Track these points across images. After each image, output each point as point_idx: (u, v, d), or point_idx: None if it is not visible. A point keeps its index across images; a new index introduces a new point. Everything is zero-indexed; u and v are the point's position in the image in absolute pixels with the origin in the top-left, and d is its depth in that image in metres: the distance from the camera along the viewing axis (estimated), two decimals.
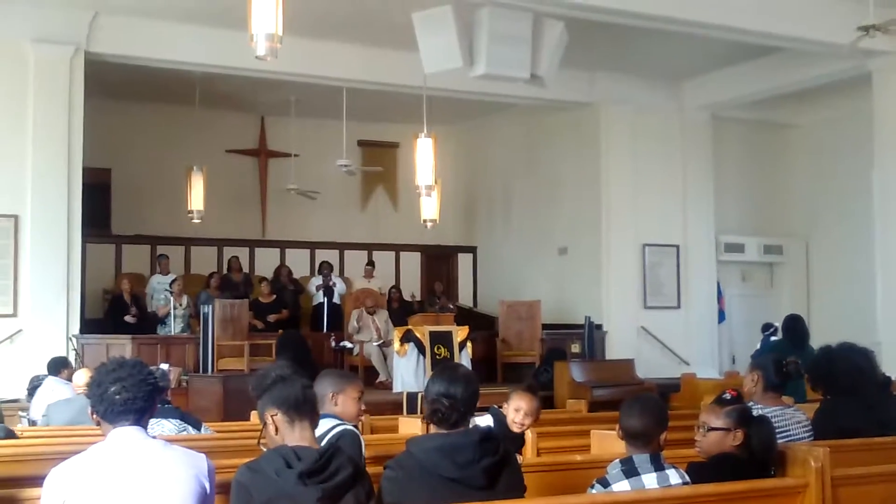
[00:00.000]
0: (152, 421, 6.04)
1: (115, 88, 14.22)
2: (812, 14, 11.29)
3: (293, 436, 3.41)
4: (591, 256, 14.96)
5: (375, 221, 17.90)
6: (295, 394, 3.45)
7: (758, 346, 11.97)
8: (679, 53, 13.38)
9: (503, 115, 16.66)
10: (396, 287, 15.87)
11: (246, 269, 15.70)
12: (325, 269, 15.38)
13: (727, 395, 4.32)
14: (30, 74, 11.61)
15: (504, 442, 3.83)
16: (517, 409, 5.15)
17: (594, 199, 14.91)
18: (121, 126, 15.40)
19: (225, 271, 15.42)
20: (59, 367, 8.80)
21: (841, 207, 15.46)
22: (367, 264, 16.10)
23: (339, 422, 4.32)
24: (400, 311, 14.46)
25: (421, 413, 4.39)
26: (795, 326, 9.85)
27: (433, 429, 3.77)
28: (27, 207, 11.51)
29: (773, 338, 11.36)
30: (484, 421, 5.15)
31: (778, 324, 11.02)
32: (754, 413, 4.45)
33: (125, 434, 3.24)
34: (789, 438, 4.94)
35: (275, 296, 14.39)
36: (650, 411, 4.01)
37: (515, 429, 5.14)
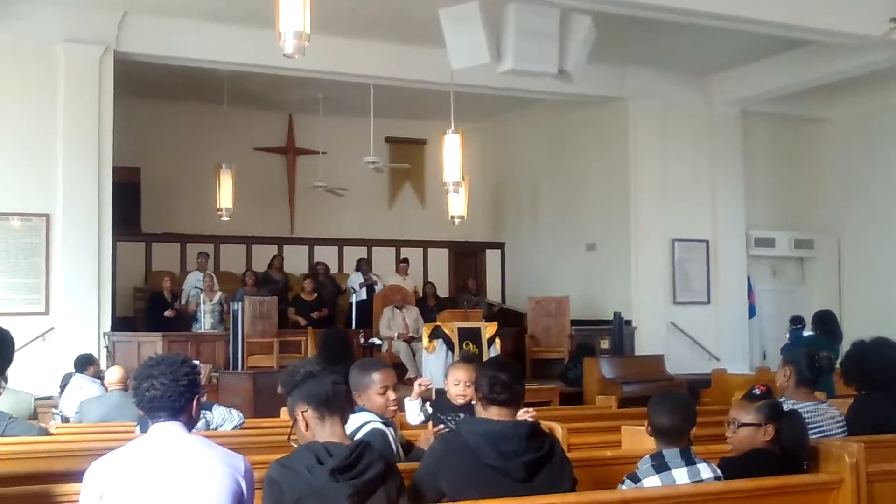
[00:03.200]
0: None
1: (144, 87, 14.32)
2: (842, 6, 11.16)
3: (324, 432, 3.42)
4: (619, 252, 14.90)
5: (403, 218, 17.92)
6: (325, 390, 3.46)
7: (787, 339, 11.87)
8: (708, 47, 13.29)
9: (531, 110, 16.61)
10: (431, 283, 15.88)
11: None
12: (365, 265, 15.39)
13: (756, 391, 4.30)
14: (60, 74, 11.71)
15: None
16: (456, 383, 5.27)
17: (623, 194, 14.85)
18: (150, 125, 15.52)
19: (255, 268, 15.45)
20: (85, 364, 8.88)
21: (873, 202, 15.30)
22: (402, 261, 16.04)
23: (368, 419, 4.29)
24: (437, 307, 14.46)
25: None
26: (826, 321, 9.77)
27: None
28: (58, 206, 11.61)
29: (805, 332, 11.27)
30: (412, 409, 5.43)
31: (807, 318, 10.95)
32: (786, 408, 4.42)
33: (165, 429, 3.26)
34: (823, 434, 4.90)
35: (316, 293, 14.43)
36: (679, 408, 4.01)
37: (460, 401, 5.25)
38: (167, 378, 3.29)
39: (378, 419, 4.33)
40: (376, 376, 4.43)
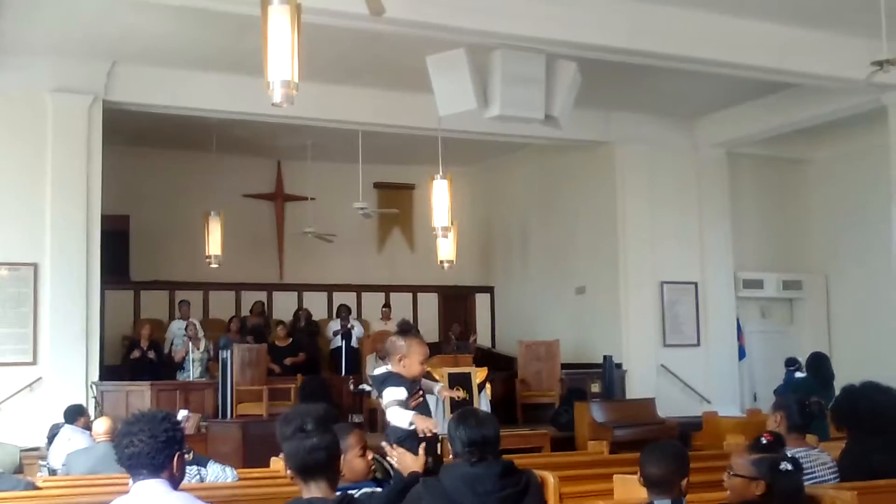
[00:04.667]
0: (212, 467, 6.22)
1: (132, 135, 14.34)
2: (825, 50, 11.27)
3: (308, 490, 3.38)
4: (609, 295, 14.90)
5: (392, 263, 17.92)
6: (301, 457, 3.34)
7: (782, 381, 11.85)
8: (693, 91, 13.39)
9: (518, 155, 16.69)
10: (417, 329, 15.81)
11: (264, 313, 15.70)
12: (344, 312, 15.36)
13: (763, 440, 4.18)
14: (48, 124, 11.70)
15: None
16: (423, 361, 4.71)
17: (611, 237, 14.88)
18: (138, 173, 15.53)
19: (244, 315, 15.43)
20: (75, 415, 8.82)
21: (860, 241, 15.36)
22: (384, 306, 16.11)
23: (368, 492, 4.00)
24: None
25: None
26: (819, 364, 9.75)
27: None
28: (46, 255, 11.56)
29: (797, 374, 11.27)
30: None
31: (801, 359, 10.94)
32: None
33: (147, 487, 3.23)
34: (815, 480, 4.86)
35: (291, 339, 14.36)
36: (670, 458, 4.00)
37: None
38: (146, 434, 3.28)
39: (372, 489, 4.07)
40: (352, 439, 4.10)
